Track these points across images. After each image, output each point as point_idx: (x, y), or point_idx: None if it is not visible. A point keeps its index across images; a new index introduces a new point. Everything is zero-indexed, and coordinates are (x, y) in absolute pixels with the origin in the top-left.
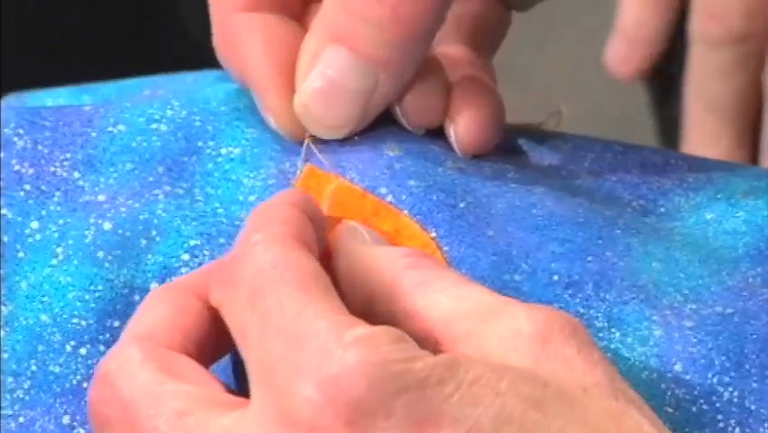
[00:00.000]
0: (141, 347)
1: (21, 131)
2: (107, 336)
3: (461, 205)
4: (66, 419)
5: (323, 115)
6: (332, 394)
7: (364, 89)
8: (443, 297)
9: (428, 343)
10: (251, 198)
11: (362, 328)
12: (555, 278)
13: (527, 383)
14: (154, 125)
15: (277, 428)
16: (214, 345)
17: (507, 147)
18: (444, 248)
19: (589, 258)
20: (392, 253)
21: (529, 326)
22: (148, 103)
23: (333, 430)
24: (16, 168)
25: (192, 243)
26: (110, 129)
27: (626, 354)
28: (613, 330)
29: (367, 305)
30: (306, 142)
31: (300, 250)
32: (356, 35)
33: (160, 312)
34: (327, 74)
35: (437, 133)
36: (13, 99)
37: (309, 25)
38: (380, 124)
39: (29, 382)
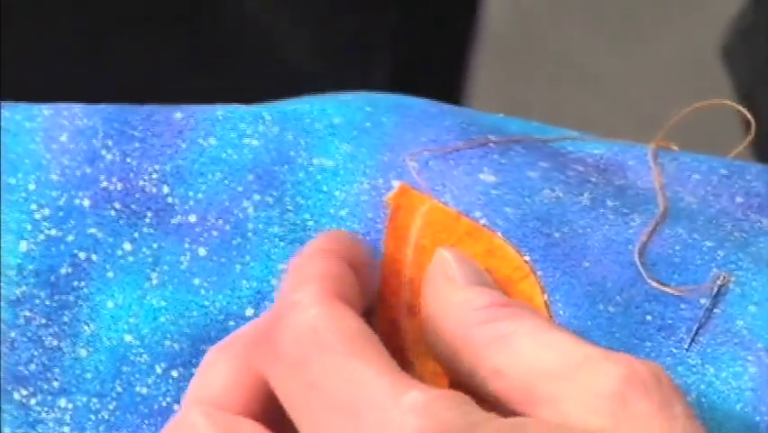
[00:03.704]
0: (203, 412)
1: (109, 142)
2: (200, 359)
3: (557, 234)
4: None
5: None
6: None
7: None
8: (520, 353)
9: (508, 403)
10: (342, 213)
11: (419, 392)
12: (648, 318)
13: None
14: (246, 140)
15: None
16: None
17: (614, 162)
18: (539, 272)
19: (683, 306)
20: (470, 303)
21: (609, 384)
22: (239, 116)
23: None
24: (104, 184)
25: (280, 266)
26: (200, 141)
27: (721, 387)
28: (707, 366)
29: (450, 356)
30: (403, 160)
31: (341, 307)
32: None
33: (221, 374)
34: None
35: (536, 160)
36: (107, 108)
37: None
38: (479, 150)
39: (114, 404)
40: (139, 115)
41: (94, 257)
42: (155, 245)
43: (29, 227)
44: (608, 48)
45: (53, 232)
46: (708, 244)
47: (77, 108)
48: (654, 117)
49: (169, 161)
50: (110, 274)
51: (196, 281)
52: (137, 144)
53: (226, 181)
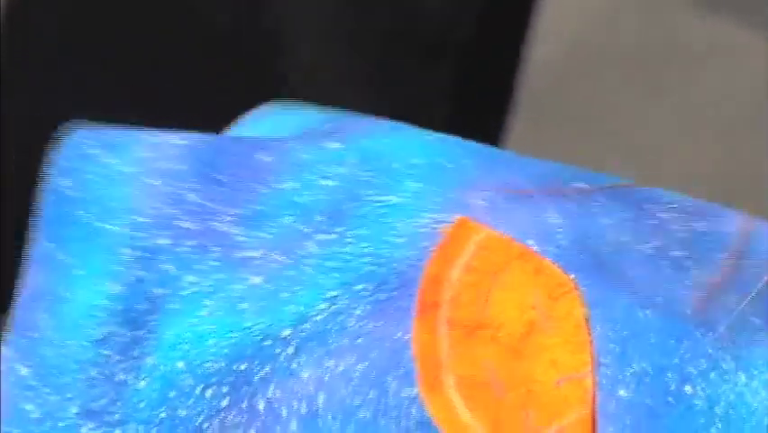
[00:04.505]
0: None
1: (196, 186)
2: (232, 378)
3: (608, 264)
4: None
5: None
6: None
7: None
8: None
9: None
10: (399, 240)
11: None
12: (688, 312)
13: None
14: (323, 182)
15: None
16: None
17: (702, 208)
18: (582, 288)
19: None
20: None
21: None
22: (322, 157)
23: None
24: (186, 225)
25: (330, 294)
26: (279, 186)
27: (750, 400)
28: (739, 373)
29: None
30: (470, 196)
31: None
32: None
33: None
34: None
35: (616, 209)
36: (199, 146)
37: None
38: (555, 197)
39: (155, 429)
40: (226, 157)
41: (165, 292)
42: (215, 277)
43: (119, 269)
44: (639, 105)
45: (140, 273)
46: (756, 320)
47: (172, 149)
48: (697, 175)
49: (247, 204)
50: (173, 306)
51: (244, 306)
52: (220, 189)
53: (295, 224)
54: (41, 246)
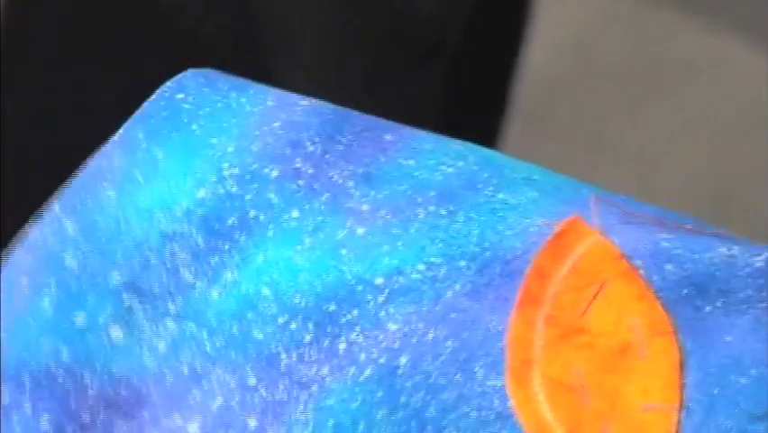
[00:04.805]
0: None
1: (316, 139)
2: (319, 317)
3: (708, 309)
4: (251, 381)
5: None
6: None
7: None
8: None
9: None
10: (508, 232)
11: None
12: None
13: None
14: (442, 167)
15: None
16: None
17: None
18: (680, 333)
19: None
20: None
21: None
22: (444, 150)
23: None
24: (297, 165)
25: (432, 259)
26: (399, 160)
27: None
28: None
29: None
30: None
31: None
32: None
33: None
34: None
35: (731, 240)
36: (327, 111)
37: None
38: (660, 226)
39: (223, 341)
40: (352, 127)
41: (262, 217)
42: (320, 218)
43: (213, 179)
44: (635, 110)
45: (234, 189)
46: None
47: (300, 107)
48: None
49: (363, 166)
50: (270, 233)
51: (343, 252)
52: (340, 148)
53: (409, 192)
54: (129, 135)
